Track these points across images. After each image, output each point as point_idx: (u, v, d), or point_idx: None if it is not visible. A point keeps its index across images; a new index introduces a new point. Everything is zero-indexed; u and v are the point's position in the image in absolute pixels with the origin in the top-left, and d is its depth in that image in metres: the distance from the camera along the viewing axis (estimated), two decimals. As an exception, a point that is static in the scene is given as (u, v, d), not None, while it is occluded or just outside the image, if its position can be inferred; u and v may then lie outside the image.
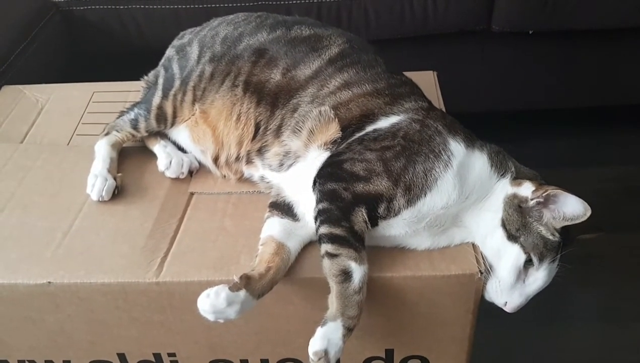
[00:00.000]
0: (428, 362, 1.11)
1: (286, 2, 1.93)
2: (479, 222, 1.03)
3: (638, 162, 2.29)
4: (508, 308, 1.01)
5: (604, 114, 2.32)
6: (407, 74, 1.25)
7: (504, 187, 1.03)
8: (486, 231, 1.02)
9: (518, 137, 1.90)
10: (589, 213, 0.96)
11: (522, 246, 0.99)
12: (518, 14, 1.99)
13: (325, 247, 0.97)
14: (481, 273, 0.99)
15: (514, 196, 1.02)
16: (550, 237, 0.99)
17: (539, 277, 1.00)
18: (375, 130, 1.07)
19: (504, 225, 1.01)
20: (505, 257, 1.00)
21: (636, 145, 2.36)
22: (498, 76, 2.20)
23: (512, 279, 0.99)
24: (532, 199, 0.99)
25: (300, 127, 1.09)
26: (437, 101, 1.36)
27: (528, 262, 0.99)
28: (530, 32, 2.04)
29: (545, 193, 0.98)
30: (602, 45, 2.14)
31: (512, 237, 1.00)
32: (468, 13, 2.00)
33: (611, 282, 1.87)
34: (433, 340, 1.08)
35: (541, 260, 0.98)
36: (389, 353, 1.10)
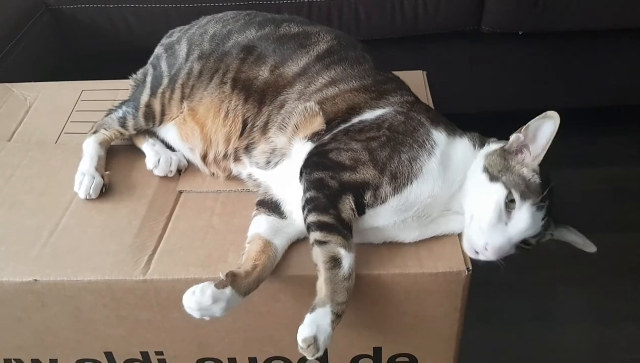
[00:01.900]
0: (416, 360, 1.11)
1: (276, 2, 1.93)
2: (465, 194, 1.04)
3: (627, 163, 2.31)
4: (489, 250, 0.98)
5: (594, 115, 2.33)
6: (396, 73, 1.25)
7: (486, 149, 1.06)
8: (470, 193, 1.03)
9: (507, 138, 1.91)
10: (557, 120, 0.98)
11: (504, 183, 1.00)
12: (508, 14, 2.00)
13: (314, 235, 0.97)
14: (468, 270, 0.99)
15: (499, 148, 1.05)
16: (531, 177, 1.00)
17: (521, 218, 0.98)
18: (360, 121, 1.08)
19: (486, 170, 1.02)
20: (487, 196, 1.00)
21: (625, 146, 2.37)
22: (488, 76, 2.21)
23: (493, 216, 0.98)
24: (514, 137, 1.03)
25: (286, 123, 1.10)
26: (427, 100, 1.35)
27: (510, 203, 0.99)
28: (520, 33, 2.05)
29: (526, 127, 1.01)
30: (592, 46, 2.15)
31: (494, 178, 1.01)
32: (458, 14, 2.01)
33: (601, 282, 1.88)
34: (421, 338, 1.08)
35: (523, 198, 0.98)
36: (377, 351, 1.10)
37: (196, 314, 0.93)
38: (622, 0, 2.00)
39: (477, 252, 1.00)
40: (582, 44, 2.14)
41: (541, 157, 1.01)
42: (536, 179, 1.00)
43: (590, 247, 1.05)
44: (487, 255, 0.99)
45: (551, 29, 2.06)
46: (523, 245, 1.00)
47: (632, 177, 2.24)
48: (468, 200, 1.03)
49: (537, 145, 1.01)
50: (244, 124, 1.14)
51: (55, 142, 1.34)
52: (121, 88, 1.44)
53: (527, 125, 1.02)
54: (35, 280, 1.02)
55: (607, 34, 2.10)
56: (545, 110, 1.01)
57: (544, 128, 1.00)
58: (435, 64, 2.08)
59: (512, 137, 1.04)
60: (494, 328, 1.66)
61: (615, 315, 1.81)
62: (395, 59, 2.05)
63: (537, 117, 1.00)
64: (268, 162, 1.11)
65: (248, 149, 1.14)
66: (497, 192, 0.99)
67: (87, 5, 1.95)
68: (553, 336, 1.74)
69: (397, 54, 2.06)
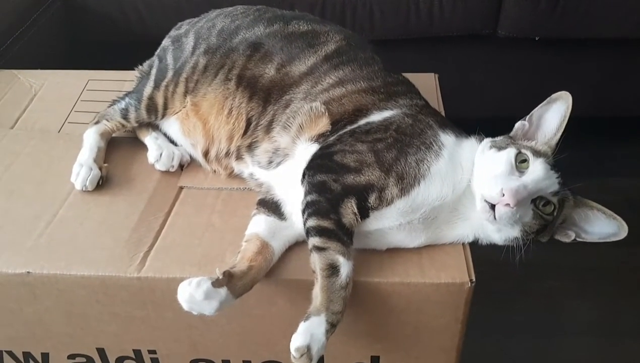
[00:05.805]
0: (414, 370, 1.09)
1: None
2: (473, 181, 1.00)
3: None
4: (506, 194, 0.93)
5: (609, 124, 2.29)
6: (409, 75, 1.23)
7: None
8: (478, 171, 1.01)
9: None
10: (569, 99, 0.99)
11: (514, 145, 0.99)
12: (525, 19, 1.96)
13: (313, 241, 0.94)
14: (472, 282, 0.96)
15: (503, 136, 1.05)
16: (542, 149, 1.00)
17: (535, 169, 0.95)
18: (367, 123, 1.06)
19: (493, 146, 1.01)
20: (497, 160, 0.98)
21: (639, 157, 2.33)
22: (502, 81, 2.17)
23: (504, 168, 0.96)
24: (519, 124, 1.04)
25: (291, 123, 1.07)
26: (437, 104, 1.33)
27: (522, 163, 0.96)
28: (537, 39, 2.01)
29: (530, 115, 1.03)
30: (609, 54, 2.11)
31: (502, 148, 0.99)
32: (474, 17, 1.97)
33: (608, 295, 1.85)
34: (420, 348, 1.05)
35: (535, 156, 0.97)
36: (375, 360, 1.07)
37: (186, 306, 0.91)
38: (644, 9, 1.95)
39: (493, 207, 0.94)
40: (599, 52, 2.10)
41: (556, 140, 1.00)
42: (548, 151, 0.99)
43: (621, 231, 0.99)
44: (504, 201, 0.93)
45: (569, 36, 2.02)
46: (542, 213, 0.96)
47: (644, 189, 2.20)
48: (476, 179, 0.99)
49: (544, 131, 1.02)
50: (248, 122, 1.12)
51: (59, 131, 1.32)
52: (128, 79, 1.42)
53: (532, 112, 1.02)
54: (28, 272, 1.01)
55: (625, 42, 2.06)
56: (559, 117, 1.00)
57: (550, 113, 1.01)
58: (450, 66, 2.05)
59: (517, 125, 1.05)
60: (497, 340, 1.63)
61: (620, 329, 1.78)
62: (409, 60, 2.01)
63: (542, 103, 1.01)
64: (270, 162, 1.09)
65: (251, 147, 1.12)
66: (508, 153, 0.98)
67: (99, -7, 1.94)
68: (555, 349, 1.71)
69: (411, 55, 2.03)
